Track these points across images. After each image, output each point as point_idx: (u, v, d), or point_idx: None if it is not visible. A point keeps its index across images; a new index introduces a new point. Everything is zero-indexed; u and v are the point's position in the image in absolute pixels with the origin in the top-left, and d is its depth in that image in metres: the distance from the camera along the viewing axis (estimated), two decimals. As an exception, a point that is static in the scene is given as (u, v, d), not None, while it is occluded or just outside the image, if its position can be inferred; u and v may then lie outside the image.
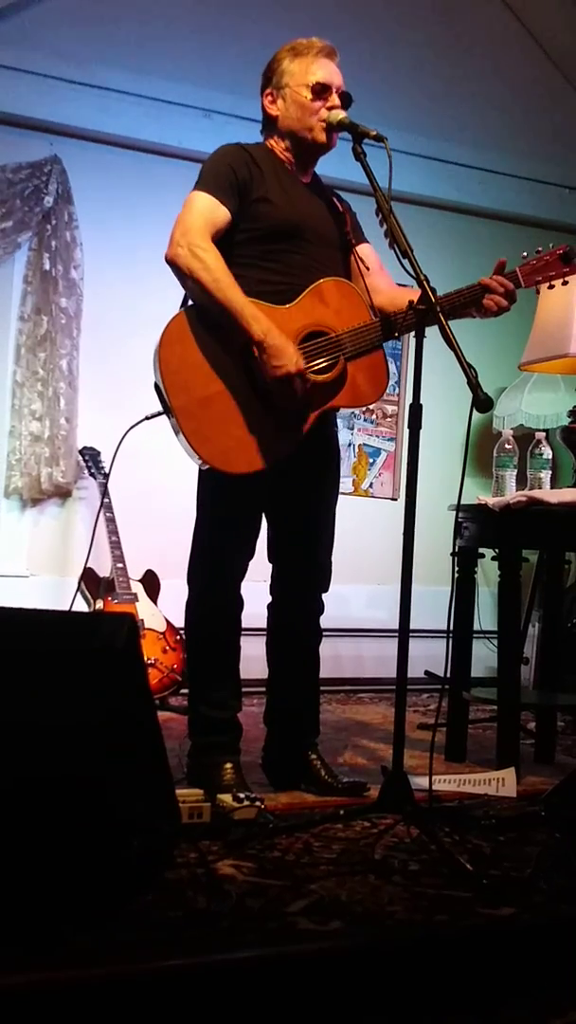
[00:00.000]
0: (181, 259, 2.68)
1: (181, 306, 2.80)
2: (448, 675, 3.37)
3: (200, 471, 2.85)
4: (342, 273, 2.91)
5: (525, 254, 2.87)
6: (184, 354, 2.69)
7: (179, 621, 3.40)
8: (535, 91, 5.82)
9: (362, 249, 2.99)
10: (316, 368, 2.73)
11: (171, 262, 2.70)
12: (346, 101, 2.85)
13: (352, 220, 3.02)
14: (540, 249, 2.88)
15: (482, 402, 2.42)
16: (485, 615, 4.20)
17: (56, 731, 1.92)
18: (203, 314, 2.71)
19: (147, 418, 2.81)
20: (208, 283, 2.65)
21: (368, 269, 2.94)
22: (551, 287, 2.93)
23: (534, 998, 1.77)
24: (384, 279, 2.97)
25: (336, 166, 2.97)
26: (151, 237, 2.86)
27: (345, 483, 3.10)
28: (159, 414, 2.74)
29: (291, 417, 2.73)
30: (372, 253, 3.01)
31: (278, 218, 2.82)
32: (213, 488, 2.87)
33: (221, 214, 2.75)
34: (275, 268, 2.81)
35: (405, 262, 2.57)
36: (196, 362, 2.69)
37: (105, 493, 4.50)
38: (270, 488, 2.85)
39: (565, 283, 2.93)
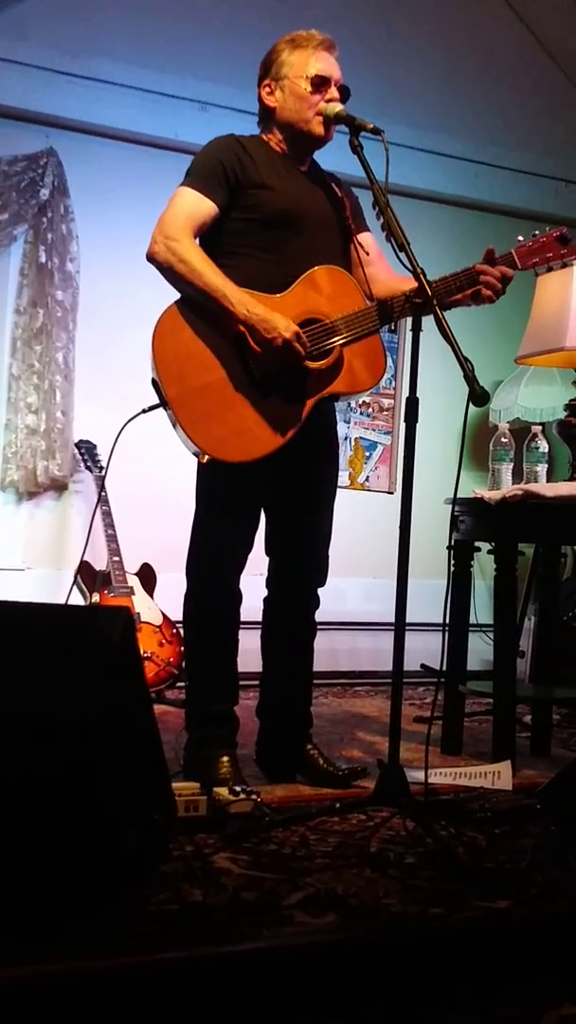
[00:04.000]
0: (159, 255, 2.70)
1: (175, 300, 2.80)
2: (444, 668, 3.38)
3: (199, 463, 2.84)
4: (341, 261, 2.90)
5: (521, 237, 2.86)
6: (177, 345, 2.69)
7: (175, 614, 3.40)
8: (532, 84, 5.81)
9: (363, 237, 2.98)
10: (312, 354, 2.72)
11: (150, 259, 2.73)
12: (344, 95, 2.84)
13: (352, 206, 3.01)
14: (536, 232, 2.88)
15: (478, 396, 2.42)
16: (481, 609, 4.19)
17: (52, 724, 1.92)
18: (194, 305, 2.72)
19: (144, 411, 2.81)
20: (185, 273, 2.67)
21: (368, 256, 2.94)
22: (549, 269, 2.92)
23: (530, 990, 1.77)
24: (383, 268, 2.97)
25: (333, 159, 2.96)
26: (147, 230, 2.86)
27: (341, 477, 3.10)
28: (156, 407, 2.74)
29: (289, 404, 2.73)
30: (372, 242, 3.00)
31: (276, 205, 2.82)
32: (212, 481, 2.87)
33: (205, 207, 2.76)
34: (272, 258, 2.81)
35: (402, 255, 2.57)
36: (190, 353, 2.70)
37: (101, 486, 4.49)
38: (269, 480, 2.85)
39: (565, 265, 2.92)
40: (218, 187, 2.78)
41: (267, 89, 2.91)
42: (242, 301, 2.66)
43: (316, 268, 2.81)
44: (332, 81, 2.83)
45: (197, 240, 2.77)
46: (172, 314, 2.72)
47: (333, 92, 2.83)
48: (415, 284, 2.61)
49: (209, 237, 2.80)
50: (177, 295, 2.77)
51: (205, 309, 2.71)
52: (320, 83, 2.82)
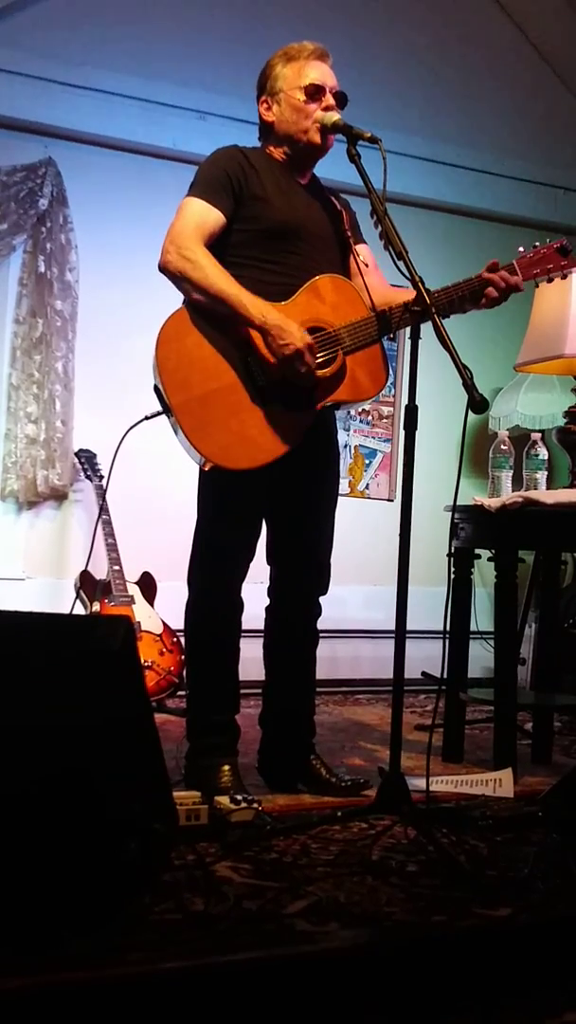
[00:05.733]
0: (171, 264, 2.70)
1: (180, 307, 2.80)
2: (445, 676, 3.37)
3: (200, 471, 2.84)
4: (340, 272, 2.91)
5: (522, 249, 2.87)
6: (182, 352, 2.70)
7: (176, 623, 3.39)
8: (530, 92, 5.83)
9: (359, 249, 2.99)
10: (317, 362, 2.73)
11: (163, 269, 2.73)
12: (341, 101, 2.85)
13: (351, 219, 3.02)
14: (537, 244, 2.89)
15: (477, 403, 2.42)
16: (482, 616, 4.20)
17: (53, 733, 1.92)
18: (199, 311, 2.72)
19: (147, 418, 2.81)
20: (199, 280, 2.67)
21: (367, 266, 2.95)
22: (550, 280, 2.93)
23: (531, 998, 1.77)
24: (378, 279, 2.98)
25: (332, 168, 2.97)
26: (146, 239, 2.87)
27: (341, 484, 3.10)
28: (158, 414, 2.75)
29: (292, 412, 2.74)
30: (368, 253, 3.01)
31: (275, 217, 2.83)
32: (214, 489, 2.87)
33: (213, 217, 2.77)
34: (273, 268, 2.82)
35: (400, 263, 2.58)
36: (194, 359, 2.70)
37: (101, 495, 4.50)
38: (270, 488, 2.85)
39: (564, 276, 2.93)
40: (225, 197, 2.79)
41: (264, 105, 2.92)
42: (257, 307, 2.67)
43: (319, 277, 2.81)
44: (327, 88, 2.84)
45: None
46: (176, 321, 2.73)
47: (329, 99, 2.83)
48: (410, 295, 2.62)
49: (213, 248, 2.80)
50: (179, 302, 2.77)
51: (210, 316, 2.71)
52: (314, 92, 2.83)
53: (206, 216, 2.76)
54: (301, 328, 2.69)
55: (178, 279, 2.72)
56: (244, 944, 1.81)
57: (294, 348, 2.65)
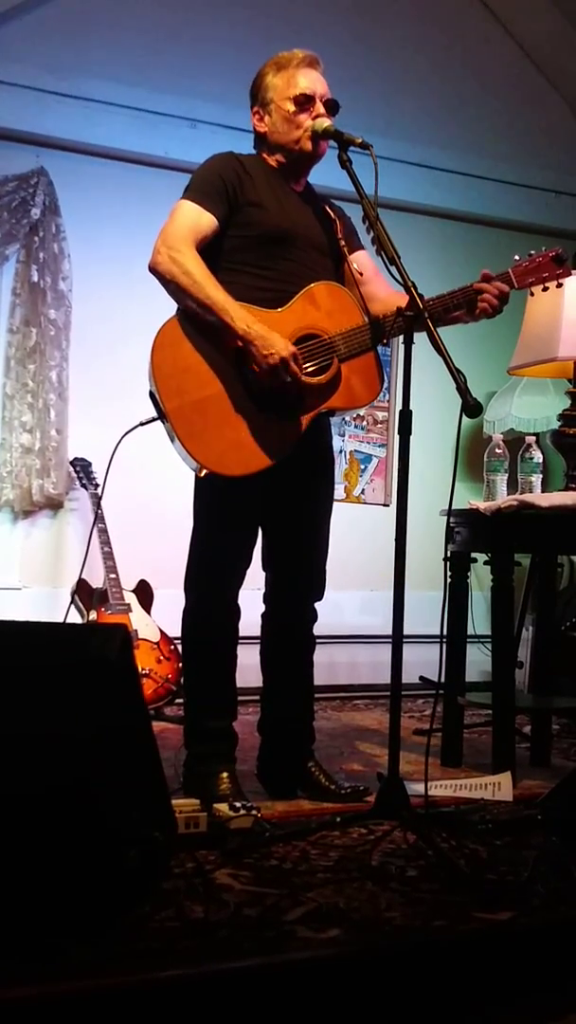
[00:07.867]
0: (161, 266, 2.70)
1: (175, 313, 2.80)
2: (443, 680, 3.37)
3: (196, 478, 2.84)
4: (334, 280, 2.91)
5: (517, 256, 2.88)
6: (177, 358, 2.70)
7: (173, 631, 3.39)
8: (520, 96, 5.84)
9: (357, 256, 2.99)
10: (310, 370, 2.73)
11: (152, 270, 2.73)
12: (332, 108, 2.85)
13: (345, 228, 3.02)
14: (532, 252, 2.90)
15: (471, 407, 2.43)
16: (479, 619, 4.19)
17: (51, 743, 1.92)
18: (194, 318, 2.72)
19: (142, 424, 2.81)
20: (188, 285, 2.67)
21: (362, 275, 2.94)
22: (545, 289, 2.93)
23: (532, 1001, 1.77)
24: (381, 285, 2.97)
25: (324, 174, 2.97)
26: (139, 247, 2.87)
27: (337, 490, 3.11)
28: (153, 419, 2.74)
29: (287, 418, 2.74)
30: (368, 260, 3.01)
31: (270, 223, 2.83)
32: (210, 496, 2.87)
33: (205, 221, 2.77)
34: (267, 275, 2.82)
35: (392, 269, 2.58)
36: (189, 366, 2.70)
37: (97, 504, 4.50)
38: (265, 495, 2.85)
39: (559, 285, 2.94)
40: (219, 202, 2.79)
41: (257, 116, 2.92)
42: (243, 317, 2.66)
43: (315, 284, 2.81)
44: (316, 97, 2.84)
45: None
46: (172, 327, 2.73)
47: (319, 108, 2.83)
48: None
49: (207, 253, 2.80)
50: (174, 309, 2.77)
51: (205, 323, 2.71)
52: (304, 101, 2.83)
53: (199, 219, 2.76)
54: (286, 338, 2.69)
55: (166, 281, 2.72)
56: (244, 951, 1.80)
57: (278, 357, 2.65)
